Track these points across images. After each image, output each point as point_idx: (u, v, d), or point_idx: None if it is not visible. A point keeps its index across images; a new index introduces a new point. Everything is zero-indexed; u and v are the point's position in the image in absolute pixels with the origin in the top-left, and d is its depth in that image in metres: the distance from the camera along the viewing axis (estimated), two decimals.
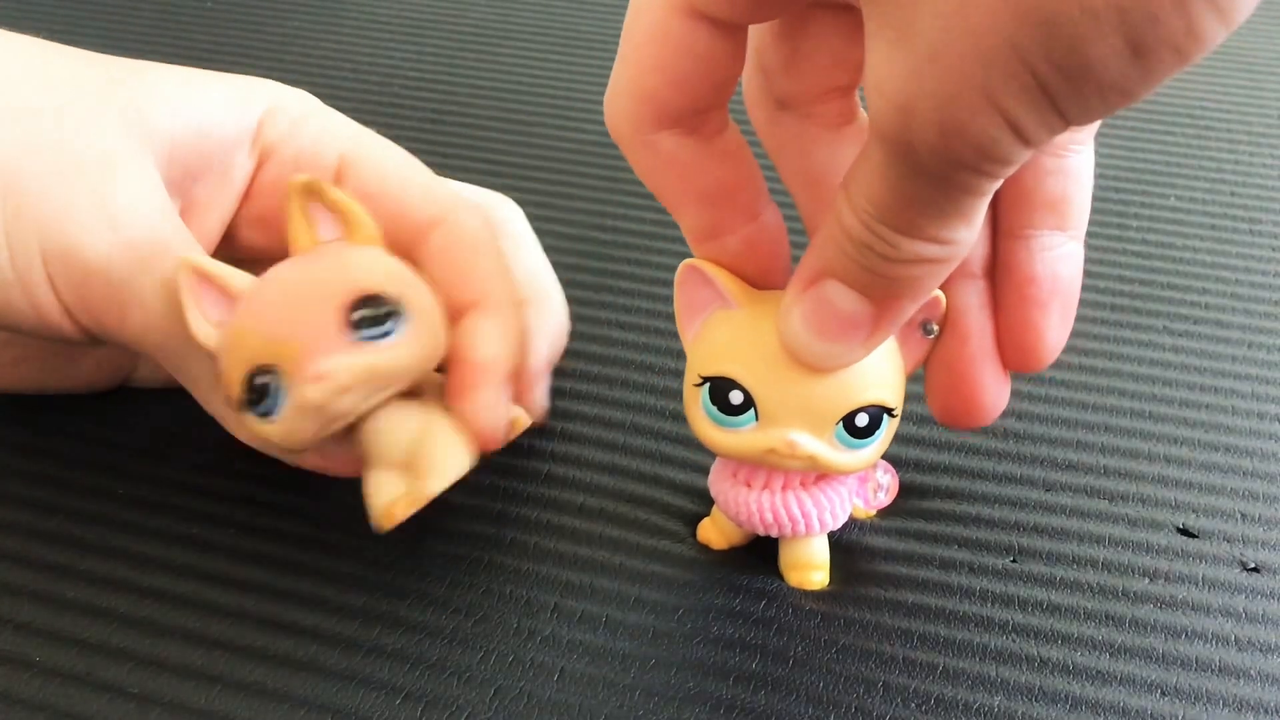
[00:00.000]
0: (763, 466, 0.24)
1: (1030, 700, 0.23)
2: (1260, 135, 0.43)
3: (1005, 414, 0.30)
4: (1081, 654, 0.24)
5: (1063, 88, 0.15)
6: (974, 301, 0.23)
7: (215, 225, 0.27)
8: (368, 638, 0.24)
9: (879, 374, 0.22)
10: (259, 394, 0.22)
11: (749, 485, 0.24)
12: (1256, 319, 0.34)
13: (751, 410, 0.22)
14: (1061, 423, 0.30)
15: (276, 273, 0.23)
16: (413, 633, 0.24)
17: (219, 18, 0.50)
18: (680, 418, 0.27)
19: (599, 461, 0.29)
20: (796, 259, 0.23)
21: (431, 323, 0.23)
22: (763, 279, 0.23)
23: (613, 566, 0.26)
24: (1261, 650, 0.24)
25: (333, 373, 0.22)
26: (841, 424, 0.22)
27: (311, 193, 0.24)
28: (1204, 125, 0.43)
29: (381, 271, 0.23)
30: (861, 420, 0.22)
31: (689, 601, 0.25)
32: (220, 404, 0.25)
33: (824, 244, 0.20)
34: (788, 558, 0.26)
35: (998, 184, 0.17)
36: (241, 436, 0.25)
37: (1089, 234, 0.37)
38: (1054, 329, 0.23)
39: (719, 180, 0.22)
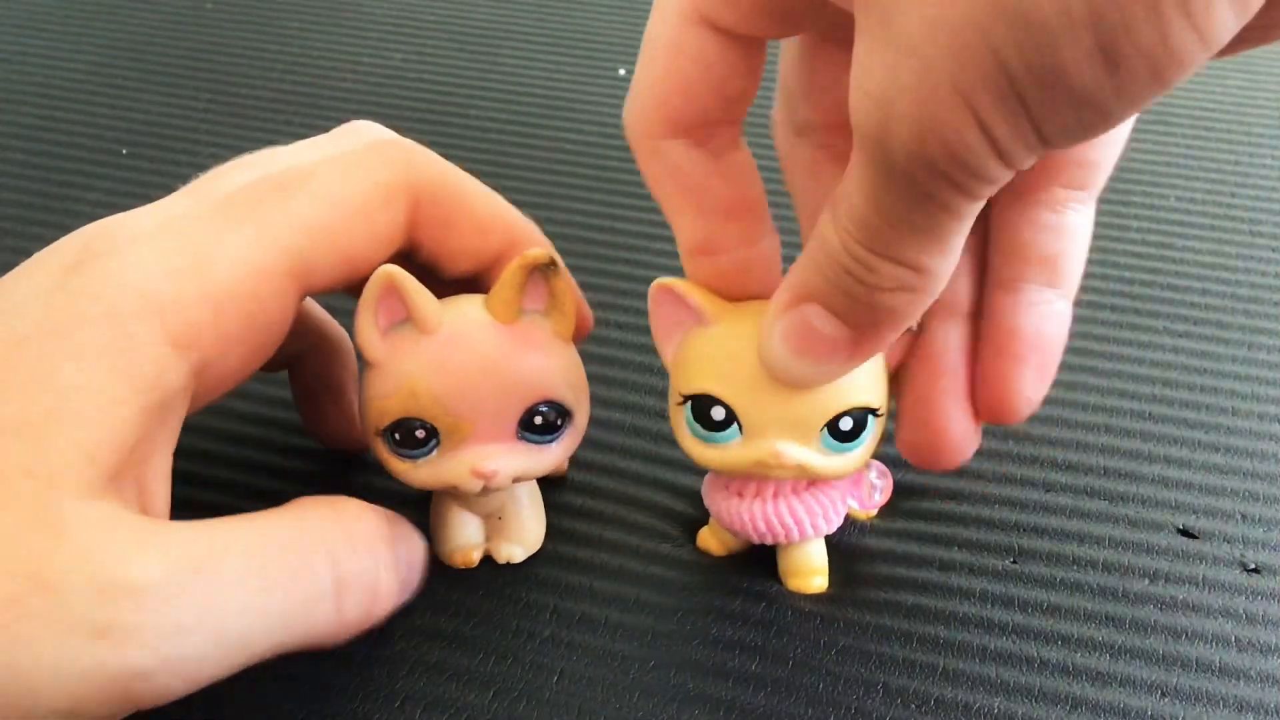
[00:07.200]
0: (753, 477, 0.24)
1: (1030, 701, 0.23)
2: (1260, 135, 0.43)
3: None
4: (1082, 655, 0.24)
5: (1034, 92, 0.15)
6: (954, 341, 0.23)
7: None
8: (367, 639, 0.24)
9: (861, 377, 0.22)
10: (408, 440, 0.23)
11: (741, 496, 0.24)
12: (1256, 319, 0.34)
13: (735, 424, 0.22)
14: (1061, 423, 0.30)
15: (471, 336, 0.23)
16: (412, 634, 0.24)
17: (219, 18, 0.50)
18: None
19: (598, 464, 0.29)
20: None
21: (582, 426, 0.24)
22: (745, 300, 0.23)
23: (612, 568, 0.26)
24: (1261, 651, 0.24)
25: (496, 474, 0.23)
26: (826, 429, 0.22)
27: (539, 268, 0.23)
28: (1204, 125, 0.43)
29: (564, 380, 0.23)
30: (846, 424, 0.22)
31: (688, 603, 0.25)
32: None
33: (805, 266, 0.20)
34: (786, 564, 0.25)
35: (976, 206, 0.17)
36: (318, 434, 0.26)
37: None
38: (1029, 385, 0.22)
39: (721, 197, 0.22)
